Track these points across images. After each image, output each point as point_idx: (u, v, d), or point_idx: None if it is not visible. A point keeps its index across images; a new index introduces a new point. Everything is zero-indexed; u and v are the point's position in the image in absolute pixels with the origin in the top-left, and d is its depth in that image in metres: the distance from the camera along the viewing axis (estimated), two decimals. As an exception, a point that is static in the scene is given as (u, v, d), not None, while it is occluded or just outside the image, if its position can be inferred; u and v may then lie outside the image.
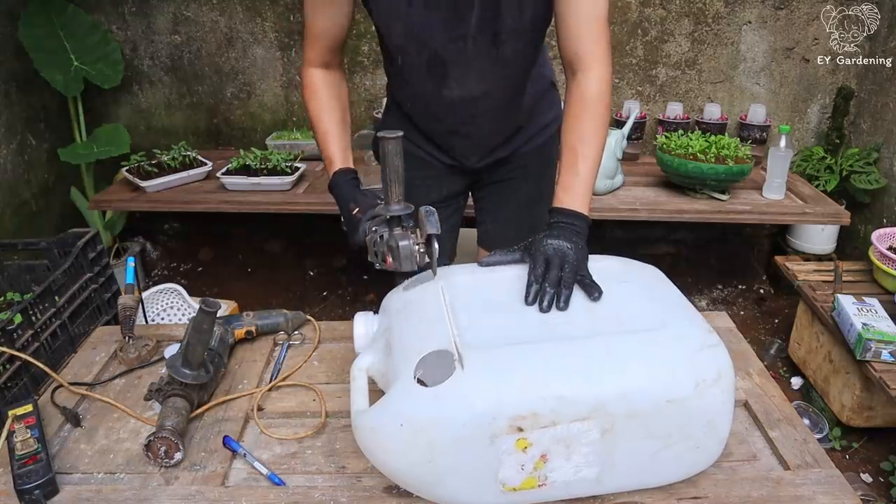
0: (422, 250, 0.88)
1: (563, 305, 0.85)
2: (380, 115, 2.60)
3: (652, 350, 0.77)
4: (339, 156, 1.09)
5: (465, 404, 0.72)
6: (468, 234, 1.49)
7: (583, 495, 0.81)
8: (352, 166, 1.09)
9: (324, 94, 1.13)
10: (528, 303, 0.86)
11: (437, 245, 0.88)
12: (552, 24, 1.08)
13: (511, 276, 0.92)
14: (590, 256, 0.95)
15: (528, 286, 0.87)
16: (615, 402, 0.73)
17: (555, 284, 0.87)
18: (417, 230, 0.90)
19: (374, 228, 0.94)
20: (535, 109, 1.27)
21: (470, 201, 1.45)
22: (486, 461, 0.74)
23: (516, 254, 0.95)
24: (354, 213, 0.99)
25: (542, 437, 0.73)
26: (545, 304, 0.85)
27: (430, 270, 0.91)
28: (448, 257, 1.42)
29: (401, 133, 0.84)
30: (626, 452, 0.77)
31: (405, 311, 0.88)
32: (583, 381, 0.74)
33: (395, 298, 0.93)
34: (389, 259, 0.90)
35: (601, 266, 0.94)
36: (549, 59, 1.33)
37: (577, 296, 0.88)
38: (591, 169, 1.01)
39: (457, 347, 0.76)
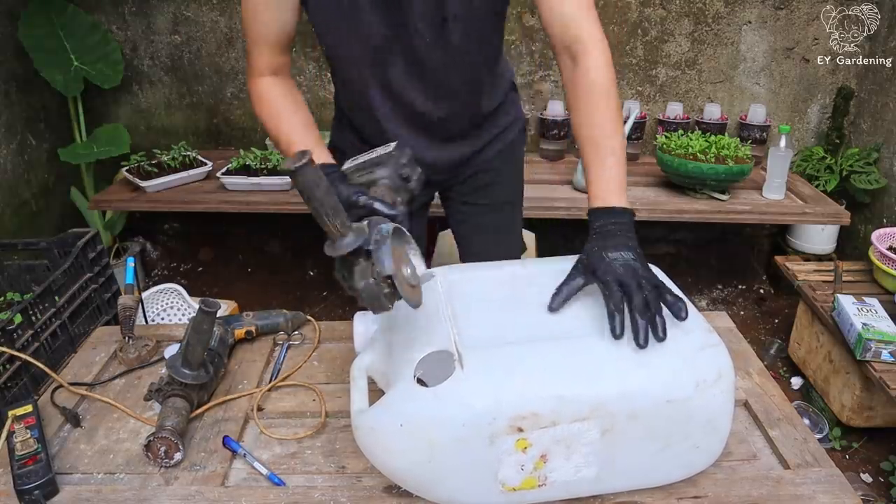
0: (386, 291, 0.74)
1: (663, 336, 0.75)
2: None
3: (652, 350, 0.75)
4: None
5: (465, 404, 0.72)
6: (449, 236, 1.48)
7: (583, 495, 0.81)
8: (329, 160, 0.97)
9: (277, 101, 1.03)
10: (616, 337, 0.75)
11: (406, 280, 0.75)
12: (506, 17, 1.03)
13: (510, 274, 0.92)
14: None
15: (612, 318, 0.76)
16: (615, 402, 0.73)
17: (643, 310, 0.76)
18: None
19: (337, 262, 0.78)
20: (495, 113, 1.21)
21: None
22: (486, 461, 0.73)
23: (579, 279, 0.83)
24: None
25: (542, 437, 0.73)
26: (641, 338, 0.74)
27: (428, 272, 0.85)
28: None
29: (306, 158, 0.67)
30: (626, 452, 0.76)
31: (405, 309, 0.86)
32: (583, 381, 0.73)
33: None
34: (359, 300, 0.76)
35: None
36: (508, 60, 1.26)
37: (578, 295, 0.86)
38: (621, 159, 0.91)
39: (456, 347, 0.76)
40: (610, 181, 0.90)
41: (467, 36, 1.00)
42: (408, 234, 0.79)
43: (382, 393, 0.82)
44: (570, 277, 0.84)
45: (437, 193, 1.37)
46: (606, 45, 0.95)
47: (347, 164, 0.93)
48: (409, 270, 0.77)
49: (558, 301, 0.82)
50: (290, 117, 1.02)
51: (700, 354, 0.77)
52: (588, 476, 0.77)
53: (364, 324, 0.93)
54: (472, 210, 1.33)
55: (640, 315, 0.75)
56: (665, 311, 0.77)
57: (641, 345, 0.74)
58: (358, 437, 0.80)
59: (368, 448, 0.79)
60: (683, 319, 0.78)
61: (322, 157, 0.97)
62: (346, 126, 1.22)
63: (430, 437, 0.73)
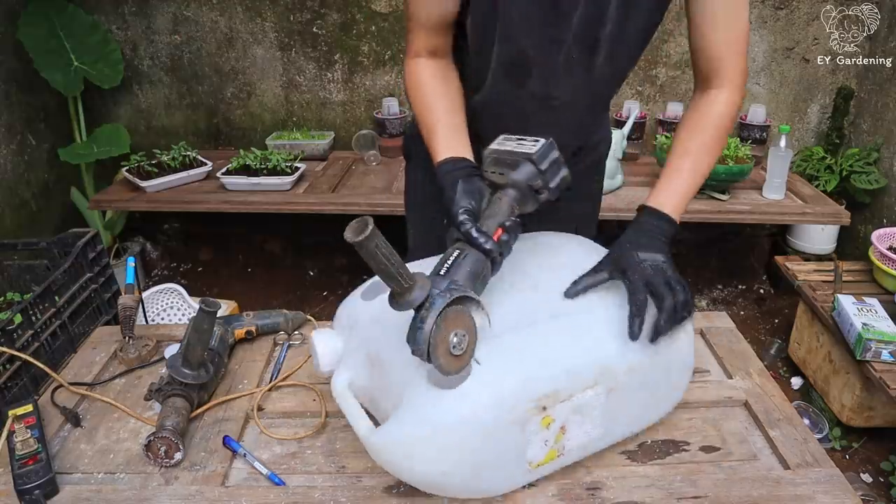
0: (457, 353, 0.70)
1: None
2: (379, 115, 2.62)
3: (625, 313, 0.82)
4: (444, 148, 0.92)
5: (492, 396, 0.74)
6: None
7: (590, 453, 0.87)
8: (463, 154, 0.91)
9: (428, 85, 0.99)
10: (633, 339, 0.80)
11: (450, 351, 0.70)
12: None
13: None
14: (529, 233, 0.96)
15: (632, 319, 0.80)
16: (616, 362, 0.81)
17: (671, 314, 0.79)
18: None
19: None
20: (592, 127, 1.16)
21: None
22: (517, 445, 0.77)
23: (604, 273, 0.85)
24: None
25: (563, 410, 0.78)
26: (658, 340, 0.81)
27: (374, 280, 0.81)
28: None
29: (369, 230, 0.64)
30: (626, 406, 0.84)
31: (381, 320, 0.82)
32: (588, 351, 0.80)
33: (360, 309, 0.89)
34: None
35: (545, 241, 0.98)
36: None
37: (547, 272, 0.88)
38: (698, 185, 0.93)
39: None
40: (678, 194, 0.91)
41: (611, 58, 0.96)
42: (479, 299, 0.73)
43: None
44: (595, 270, 0.86)
45: None
46: (743, 85, 0.96)
47: (491, 148, 0.85)
48: (456, 340, 0.71)
49: (573, 291, 0.84)
50: (436, 101, 0.98)
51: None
52: (595, 436, 0.84)
53: (325, 342, 0.88)
54: (552, 228, 1.22)
55: (667, 322, 0.80)
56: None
57: (634, 336, 0.81)
58: (378, 455, 0.77)
59: (394, 463, 0.77)
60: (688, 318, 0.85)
61: (459, 146, 0.93)
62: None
63: (462, 438, 0.73)
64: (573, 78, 0.98)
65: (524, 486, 0.84)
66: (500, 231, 0.78)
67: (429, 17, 0.98)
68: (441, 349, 0.70)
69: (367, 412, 0.82)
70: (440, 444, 0.73)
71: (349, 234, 0.65)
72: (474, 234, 0.77)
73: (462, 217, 0.79)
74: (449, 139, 0.93)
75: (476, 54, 1.00)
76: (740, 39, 0.93)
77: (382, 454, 0.77)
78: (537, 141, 0.81)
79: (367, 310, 0.87)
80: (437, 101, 0.98)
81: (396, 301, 0.70)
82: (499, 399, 0.74)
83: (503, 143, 0.84)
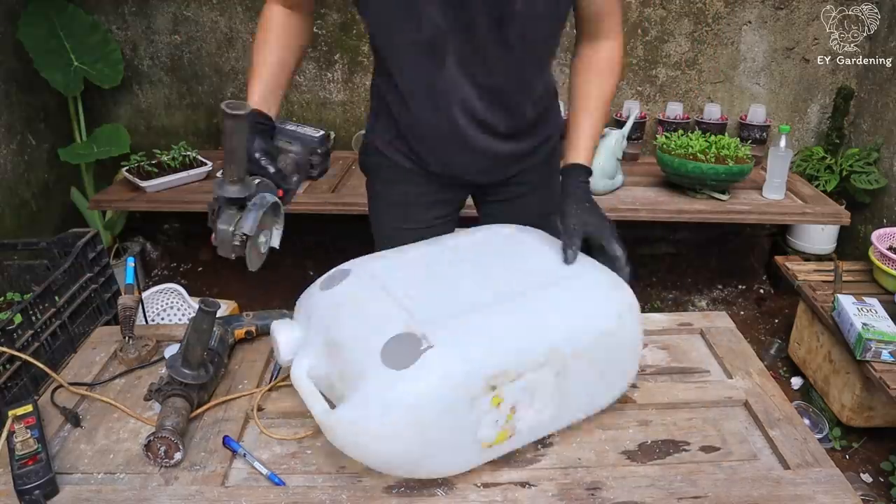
0: (237, 244, 0.85)
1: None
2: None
3: (579, 294, 0.89)
4: (258, 95, 1.01)
5: (445, 375, 0.76)
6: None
7: (542, 436, 0.89)
8: (266, 111, 1.00)
9: (271, 31, 1.04)
10: (567, 262, 0.94)
11: (260, 239, 0.88)
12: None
13: (422, 252, 0.99)
14: (487, 227, 1.08)
15: (565, 248, 0.96)
16: (564, 344, 0.83)
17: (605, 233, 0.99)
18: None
19: (214, 197, 0.88)
20: (538, 122, 1.19)
21: (473, 212, 1.37)
22: (469, 424, 0.78)
23: (576, 238, 0.98)
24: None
25: (512, 389, 0.80)
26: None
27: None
28: None
29: (247, 109, 0.78)
30: (574, 387, 0.86)
31: (340, 307, 0.88)
32: (537, 331, 0.82)
33: (318, 298, 0.92)
34: (213, 237, 0.87)
35: (507, 232, 1.05)
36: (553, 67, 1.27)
37: (503, 257, 0.97)
38: (602, 126, 1.11)
39: (417, 327, 0.79)
40: (589, 147, 1.08)
41: (524, 36, 1.00)
42: (282, 210, 0.94)
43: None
44: (569, 234, 0.98)
45: (469, 199, 1.33)
46: (622, 35, 1.12)
47: (277, 124, 1.02)
48: (263, 239, 0.90)
49: (571, 255, 0.96)
50: (269, 53, 1.04)
51: (614, 293, 0.91)
52: (546, 417, 0.85)
53: (285, 332, 0.92)
54: (506, 220, 1.24)
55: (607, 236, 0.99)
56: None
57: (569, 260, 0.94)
58: (334, 435, 0.80)
59: (349, 442, 0.79)
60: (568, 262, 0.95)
61: (269, 104, 1.02)
62: (384, 117, 1.18)
63: (417, 416, 0.76)
64: (491, 56, 1.02)
65: (523, 486, 0.84)
66: (294, 178, 0.97)
67: None
68: (252, 243, 0.86)
69: (327, 399, 0.83)
70: (392, 424, 0.75)
71: (226, 106, 0.77)
72: (271, 170, 0.93)
73: (261, 156, 0.93)
74: (263, 92, 1.01)
75: (387, 40, 1.04)
76: None
77: (338, 435, 0.79)
78: (319, 130, 1.02)
79: (326, 298, 0.91)
80: (271, 52, 1.04)
81: (220, 185, 0.84)
82: (449, 378, 0.76)
83: (287, 123, 1.03)
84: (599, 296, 0.90)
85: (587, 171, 1.06)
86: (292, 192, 0.98)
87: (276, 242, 0.94)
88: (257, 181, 0.89)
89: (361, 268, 0.95)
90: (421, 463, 0.80)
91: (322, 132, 1.02)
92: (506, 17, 0.97)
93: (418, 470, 0.81)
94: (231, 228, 0.85)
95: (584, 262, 0.95)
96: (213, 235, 0.87)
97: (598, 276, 0.93)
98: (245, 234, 0.84)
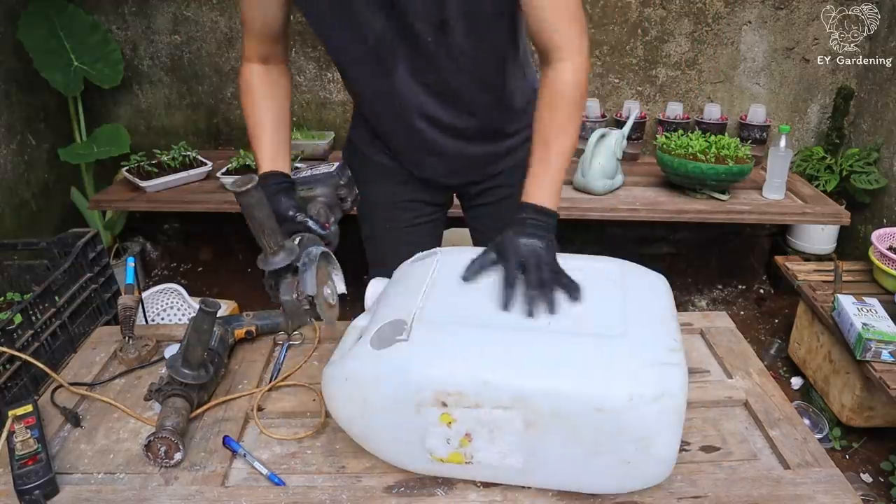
0: (307, 307, 0.84)
1: (552, 309, 0.83)
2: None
3: (595, 356, 0.76)
4: (267, 160, 1.00)
5: (399, 370, 0.77)
6: (464, 234, 1.47)
7: (510, 483, 0.84)
8: (282, 169, 1.00)
9: (257, 92, 1.05)
10: (505, 308, 0.82)
11: (326, 293, 0.86)
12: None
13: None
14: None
15: (503, 291, 0.84)
16: (539, 399, 0.74)
17: (537, 286, 0.84)
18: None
19: (265, 277, 0.88)
20: (513, 119, 1.16)
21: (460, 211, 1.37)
22: (413, 427, 0.79)
23: (492, 254, 0.91)
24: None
25: (466, 416, 0.77)
26: (533, 308, 0.82)
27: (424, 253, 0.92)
28: None
29: (253, 182, 0.77)
30: (552, 450, 0.77)
31: (399, 280, 0.94)
32: (511, 370, 0.75)
33: (401, 269, 0.98)
34: (281, 310, 0.87)
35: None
36: (532, 68, 1.18)
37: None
38: (564, 163, 0.96)
39: (413, 319, 0.81)
40: (551, 183, 0.95)
41: (470, 37, 0.98)
42: (333, 256, 0.90)
43: None
44: (484, 254, 0.91)
45: (455, 198, 1.33)
46: (585, 57, 0.97)
47: (295, 177, 1.00)
48: (328, 291, 0.87)
49: (470, 272, 0.89)
50: (263, 114, 1.04)
51: (646, 370, 0.75)
52: (514, 465, 0.79)
53: (375, 286, 0.97)
54: (491, 223, 1.28)
55: (531, 288, 0.84)
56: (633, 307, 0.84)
57: (530, 314, 0.82)
58: (322, 385, 0.85)
59: (326, 395, 0.84)
60: (575, 300, 0.85)
61: (280, 162, 1.01)
62: (362, 121, 1.20)
63: (365, 395, 0.79)
64: (442, 62, 1.00)
65: (522, 487, 0.84)
66: (328, 224, 0.94)
67: (253, 22, 1.03)
68: (321, 301, 0.84)
69: None
70: (349, 394, 0.81)
71: (232, 185, 0.77)
72: (310, 223, 0.92)
73: (293, 213, 0.93)
74: (271, 152, 1.01)
75: (337, 53, 1.05)
76: (571, 5, 0.95)
77: (323, 385, 0.84)
78: (332, 164, 1.00)
79: (401, 270, 0.97)
80: (265, 112, 1.04)
81: (265, 260, 0.83)
82: (404, 375, 0.77)
83: (299, 172, 1.01)
84: (621, 367, 0.75)
85: (533, 209, 0.93)
86: (335, 234, 0.96)
87: (342, 289, 0.92)
88: (297, 239, 0.89)
89: (444, 255, 0.96)
90: (369, 442, 0.84)
91: (336, 164, 1.00)
92: (446, 22, 0.95)
93: (368, 447, 0.85)
94: (294, 296, 0.84)
95: (651, 324, 0.82)
96: (282, 309, 0.87)
97: (647, 344, 0.78)
98: (310, 296, 0.84)
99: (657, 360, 0.76)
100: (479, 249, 0.94)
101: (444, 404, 0.76)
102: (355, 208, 1.02)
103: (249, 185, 0.77)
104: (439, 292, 0.87)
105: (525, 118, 1.12)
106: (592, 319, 0.82)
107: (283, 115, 1.07)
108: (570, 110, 0.96)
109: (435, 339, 0.79)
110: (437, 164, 1.17)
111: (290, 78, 1.11)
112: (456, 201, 1.34)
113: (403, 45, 0.98)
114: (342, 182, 0.99)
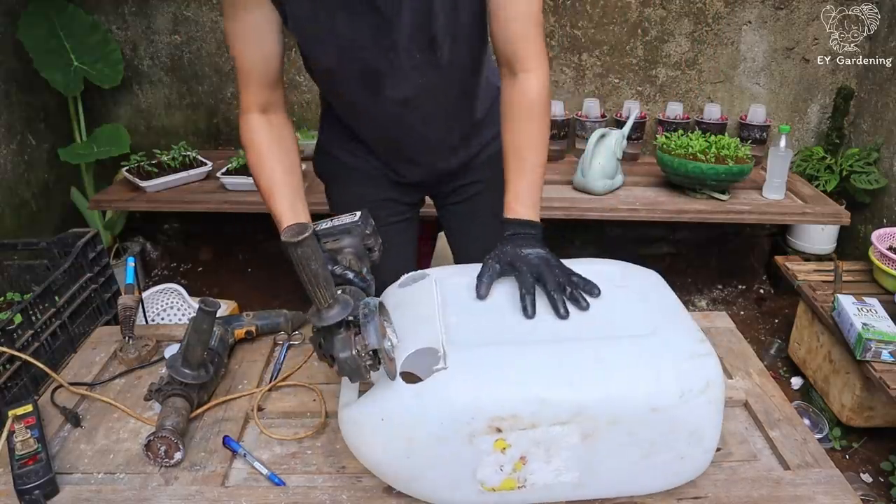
0: (369, 362, 0.76)
1: (586, 305, 0.84)
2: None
3: (639, 356, 0.76)
4: (288, 212, 0.96)
5: (445, 402, 0.73)
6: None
7: (564, 499, 0.80)
8: (301, 220, 0.97)
9: (263, 145, 1.00)
10: (528, 316, 0.82)
11: (387, 354, 0.76)
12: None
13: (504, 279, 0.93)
14: (589, 259, 0.95)
15: (523, 299, 0.84)
16: (597, 408, 0.73)
17: (557, 288, 0.84)
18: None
19: (315, 332, 0.82)
20: (484, 120, 1.19)
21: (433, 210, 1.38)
22: (465, 460, 0.74)
23: (497, 265, 0.90)
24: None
25: (521, 438, 0.73)
26: (561, 311, 0.82)
27: (420, 281, 0.88)
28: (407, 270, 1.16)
29: (308, 232, 0.71)
30: (607, 459, 0.76)
31: (400, 307, 0.87)
32: (565, 384, 0.73)
33: (391, 294, 0.93)
34: (336, 367, 0.79)
35: (600, 269, 0.92)
36: (492, 62, 1.18)
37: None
38: (541, 176, 0.98)
39: (443, 345, 0.76)
40: (530, 195, 0.96)
41: (456, 52, 1.01)
42: (386, 307, 0.82)
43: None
44: (487, 267, 0.90)
45: (428, 198, 1.36)
46: (547, 67, 1.00)
47: (316, 229, 0.94)
48: (389, 344, 0.79)
49: (485, 288, 0.88)
50: (273, 167, 0.99)
51: (688, 363, 0.76)
52: (569, 480, 0.77)
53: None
54: (465, 221, 1.32)
55: (555, 292, 0.84)
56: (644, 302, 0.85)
57: (563, 315, 0.82)
58: (343, 431, 0.81)
59: (352, 441, 0.80)
60: (596, 296, 0.85)
61: (301, 215, 0.97)
62: (335, 125, 1.21)
63: (409, 433, 0.74)
64: (426, 77, 1.02)
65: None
66: (362, 270, 0.91)
67: (252, 68, 0.99)
68: (383, 355, 0.75)
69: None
70: (388, 434, 0.75)
71: (287, 235, 0.70)
72: (350, 275, 0.88)
73: (331, 266, 0.88)
74: (289, 205, 0.97)
75: (322, 73, 1.05)
76: (533, 15, 0.96)
77: (345, 431, 0.81)
78: (354, 214, 0.94)
79: (395, 295, 0.92)
80: (274, 165, 1.00)
81: (318, 315, 0.76)
82: (448, 406, 0.72)
83: (323, 222, 0.95)
84: (666, 364, 0.75)
85: (519, 223, 0.95)
86: (371, 286, 0.91)
87: (395, 340, 0.84)
88: (346, 293, 0.83)
89: (441, 277, 0.93)
90: (411, 483, 0.78)
91: (358, 213, 0.95)
92: (434, 39, 0.97)
93: (409, 488, 0.80)
94: (354, 352, 0.76)
95: (672, 319, 0.84)
96: (336, 368, 0.78)
97: (679, 339, 0.79)
98: (374, 350, 0.75)
99: (694, 352, 0.77)
100: (472, 267, 0.93)
101: (499, 430, 0.72)
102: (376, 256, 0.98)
103: (306, 234, 0.70)
104: (455, 315, 0.84)
105: (493, 114, 1.15)
106: (618, 322, 0.82)
107: (293, 168, 1.02)
108: (541, 122, 0.99)
109: (474, 362, 0.75)
110: (418, 173, 1.22)
111: (292, 129, 1.07)
112: (428, 200, 1.37)
113: (392, 64, 1.00)
114: (367, 231, 0.95)
